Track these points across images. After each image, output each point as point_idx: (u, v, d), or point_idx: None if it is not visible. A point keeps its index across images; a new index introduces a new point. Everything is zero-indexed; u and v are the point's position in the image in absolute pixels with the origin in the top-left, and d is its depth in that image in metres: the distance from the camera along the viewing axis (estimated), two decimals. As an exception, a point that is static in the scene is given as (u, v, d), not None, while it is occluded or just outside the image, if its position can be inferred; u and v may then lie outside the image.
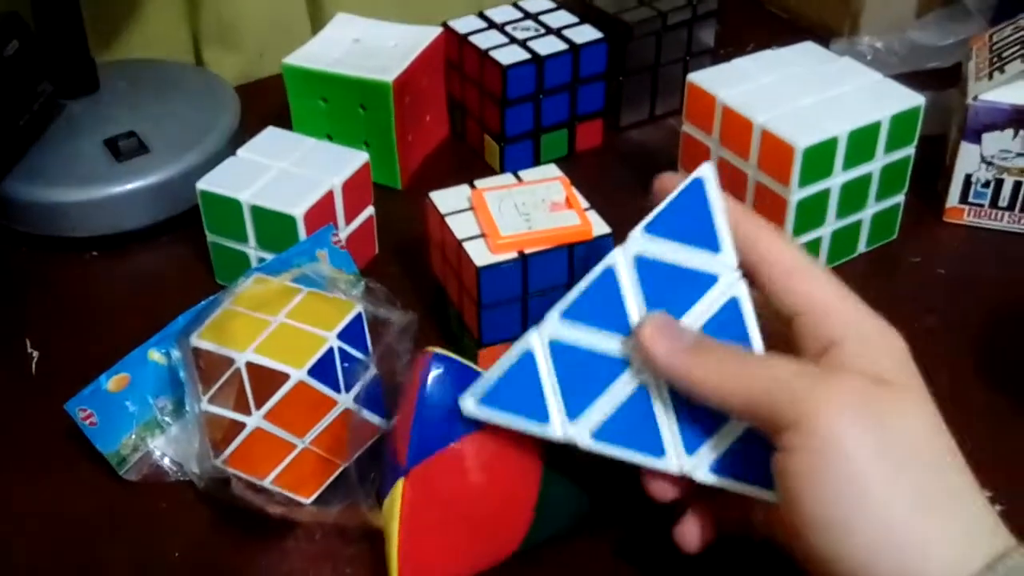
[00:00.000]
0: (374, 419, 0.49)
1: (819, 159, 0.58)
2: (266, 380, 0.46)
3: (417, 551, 0.44)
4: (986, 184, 0.65)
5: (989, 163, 0.64)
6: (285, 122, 0.69)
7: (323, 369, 0.47)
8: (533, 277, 0.53)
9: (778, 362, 0.39)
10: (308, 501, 0.48)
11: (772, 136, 0.58)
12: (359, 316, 0.49)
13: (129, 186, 0.65)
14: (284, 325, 0.48)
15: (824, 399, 0.37)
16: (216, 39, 0.84)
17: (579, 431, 0.42)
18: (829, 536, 0.36)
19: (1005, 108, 0.62)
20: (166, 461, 0.51)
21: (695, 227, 0.42)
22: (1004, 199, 0.65)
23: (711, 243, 0.42)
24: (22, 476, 0.52)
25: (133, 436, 0.51)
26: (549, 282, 0.54)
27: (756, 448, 0.40)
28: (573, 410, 0.42)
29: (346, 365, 0.48)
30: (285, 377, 0.46)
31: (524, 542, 0.46)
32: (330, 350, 0.47)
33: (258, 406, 0.46)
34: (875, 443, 0.36)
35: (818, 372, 0.38)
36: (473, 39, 0.71)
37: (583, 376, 0.42)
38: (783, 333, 0.42)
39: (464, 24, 0.72)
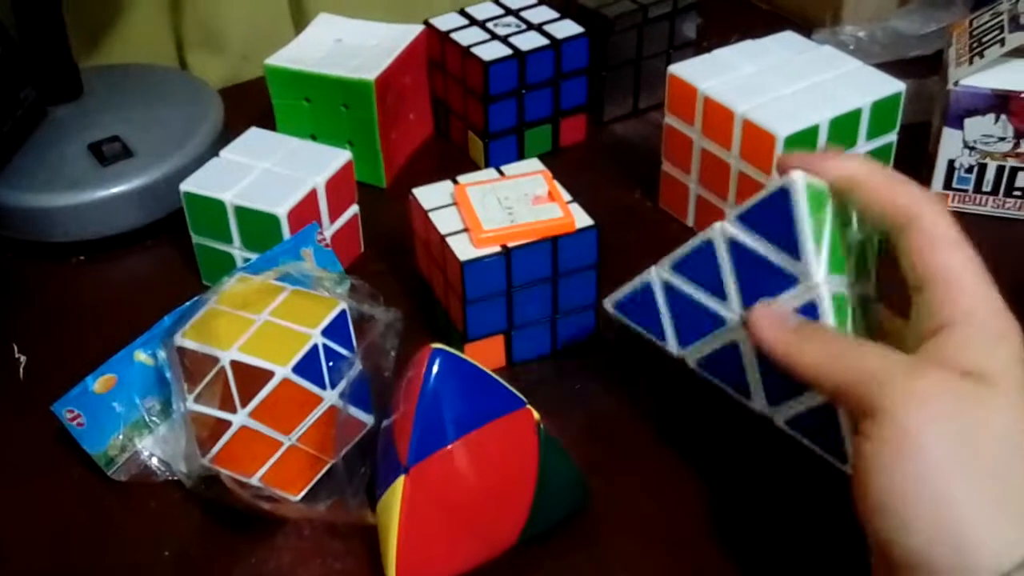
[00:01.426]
0: (360, 415, 0.50)
1: (801, 147, 0.58)
2: (251, 378, 0.46)
3: (415, 548, 0.44)
4: (969, 169, 0.65)
5: (972, 148, 0.64)
6: (269, 124, 0.69)
7: (308, 366, 0.47)
8: (517, 270, 0.54)
9: (873, 350, 0.40)
10: (296, 498, 0.48)
11: (753, 126, 0.58)
12: (343, 313, 0.49)
13: (114, 190, 0.65)
14: (268, 323, 0.48)
15: (908, 392, 0.37)
16: (199, 43, 0.84)
17: (688, 355, 0.49)
18: (890, 523, 0.37)
19: (986, 93, 0.62)
20: (154, 461, 0.51)
21: (779, 230, 0.44)
22: (988, 184, 0.65)
23: (792, 250, 0.44)
24: (11, 479, 0.52)
25: (121, 437, 0.51)
26: (533, 275, 0.54)
27: (832, 420, 0.42)
28: (683, 340, 0.49)
29: (331, 362, 0.48)
30: (270, 375, 0.46)
31: (520, 537, 0.46)
32: (314, 347, 0.47)
33: (243, 404, 0.46)
34: (950, 440, 0.36)
35: (909, 364, 0.39)
36: (455, 36, 0.71)
37: (689, 318, 0.48)
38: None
39: (445, 21, 0.73)
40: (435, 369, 0.44)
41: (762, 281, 0.44)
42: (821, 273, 0.43)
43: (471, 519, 0.45)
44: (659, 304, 0.49)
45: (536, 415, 0.46)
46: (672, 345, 0.49)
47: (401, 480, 0.44)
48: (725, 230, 0.45)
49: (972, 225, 0.65)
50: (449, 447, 0.43)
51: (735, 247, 0.45)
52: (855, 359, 0.40)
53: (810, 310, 0.43)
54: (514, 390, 0.46)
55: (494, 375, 0.45)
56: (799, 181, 0.43)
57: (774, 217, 0.44)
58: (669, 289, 0.48)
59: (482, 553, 0.46)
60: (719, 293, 0.46)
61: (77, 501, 0.51)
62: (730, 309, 0.46)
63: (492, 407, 0.44)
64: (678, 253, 0.48)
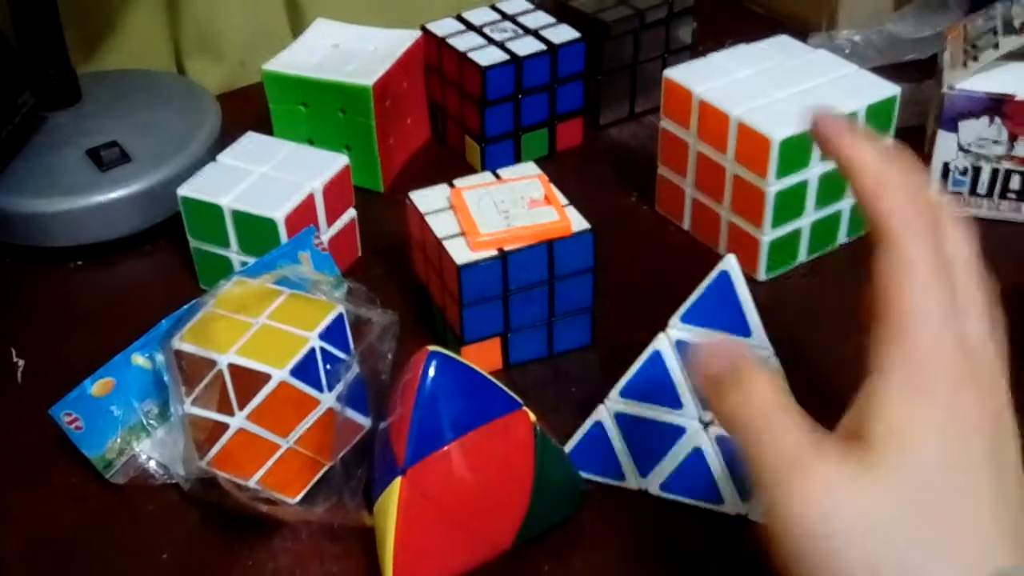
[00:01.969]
0: (358, 418, 0.50)
1: (796, 151, 0.58)
2: (248, 381, 0.46)
3: (412, 549, 0.44)
4: (964, 172, 0.65)
5: (966, 151, 0.65)
6: (267, 129, 0.70)
7: (305, 369, 0.47)
8: (513, 274, 0.54)
9: (788, 431, 0.38)
10: (294, 500, 0.48)
11: (748, 129, 0.59)
12: (340, 316, 0.49)
13: (112, 195, 0.65)
14: (266, 327, 0.48)
15: (790, 495, 0.36)
16: (197, 49, 0.84)
17: (650, 483, 0.49)
18: None
19: (980, 96, 0.63)
20: (152, 464, 0.51)
21: (724, 314, 0.46)
22: (983, 186, 0.65)
23: (742, 329, 0.46)
24: (9, 483, 0.52)
25: (119, 440, 0.51)
26: (529, 278, 0.54)
27: None
28: (643, 468, 0.49)
29: (328, 365, 0.48)
30: (267, 377, 0.46)
31: (516, 538, 0.46)
32: (312, 350, 0.47)
33: (241, 407, 0.46)
34: (833, 537, 0.35)
35: (797, 462, 0.37)
36: (452, 41, 0.71)
37: (646, 441, 0.48)
38: None
39: (442, 27, 0.73)
40: (431, 371, 0.44)
41: None
42: (770, 345, 0.45)
43: (467, 520, 0.45)
44: (612, 440, 0.49)
45: (532, 417, 0.46)
46: (631, 479, 0.49)
47: (398, 482, 0.44)
48: (671, 336, 0.47)
49: (968, 228, 0.66)
50: (446, 448, 0.44)
51: (683, 349, 0.46)
52: (758, 432, 0.38)
53: None
54: (511, 392, 0.46)
55: (491, 377, 0.45)
56: (734, 262, 0.45)
57: (717, 303, 0.46)
58: (621, 418, 0.49)
59: (478, 554, 0.46)
60: (674, 402, 0.47)
61: (75, 504, 0.51)
62: (688, 415, 0.47)
63: (489, 409, 0.45)
64: (624, 380, 0.48)
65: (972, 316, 0.39)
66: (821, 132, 0.41)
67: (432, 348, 0.45)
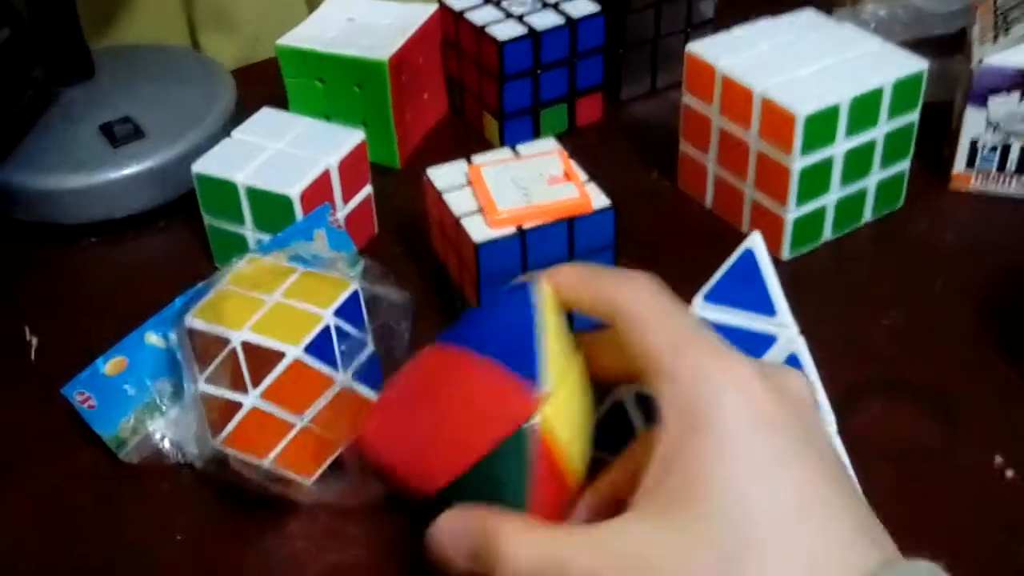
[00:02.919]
0: (373, 397, 0.49)
1: (821, 126, 0.57)
2: (262, 359, 0.45)
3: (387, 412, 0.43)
4: (993, 149, 0.64)
5: (996, 128, 0.63)
6: (282, 104, 0.69)
7: (320, 347, 0.46)
8: (532, 252, 0.53)
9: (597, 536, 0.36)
10: (310, 481, 0.48)
11: (772, 104, 0.57)
12: (355, 294, 0.49)
13: (126, 171, 0.65)
14: (280, 304, 0.47)
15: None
16: (212, 24, 0.84)
17: None
18: None
19: (1011, 71, 0.61)
20: (166, 443, 0.51)
21: (750, 294, 0.44)
22: (1012, 164, 0.64)
23: (766, 308, 0.44)
24: (23, 461, 0.52)
25: (132, 419, 0.50)
26: (549, 256, 0.53)
27: None
28: None
29: (343, 343, 0.47)
30: (281, 355, 0.45)
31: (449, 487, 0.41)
32: (326, 328, 0.47)
33: (255, 385, 0.45)
34: None
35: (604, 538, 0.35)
36: (469, 15, 0.70)
37: None
38: None
39: (460, 0, 0.72)
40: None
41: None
42: (796, 325, 0.43)
43: (430, 421, 0.41)
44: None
45: (540, 415, 0.39)
46: None
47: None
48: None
49: (995, 206, 0.65)
50: (456, 348, 0.41)
51: None
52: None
53: (792, 363, 0.43)
54: (544, 369, 0.40)
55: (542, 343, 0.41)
56: (759, 241, 0.44)
57: (741, 282, 0.44)
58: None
59: (423, 465, 0.41)
60: (767, 309, 0.45)
61: (88, 483, 0.50)
62: (780, 323, 0.45)
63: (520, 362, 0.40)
64: (710, 284, 0.45)
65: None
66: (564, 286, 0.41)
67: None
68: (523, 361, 0.39)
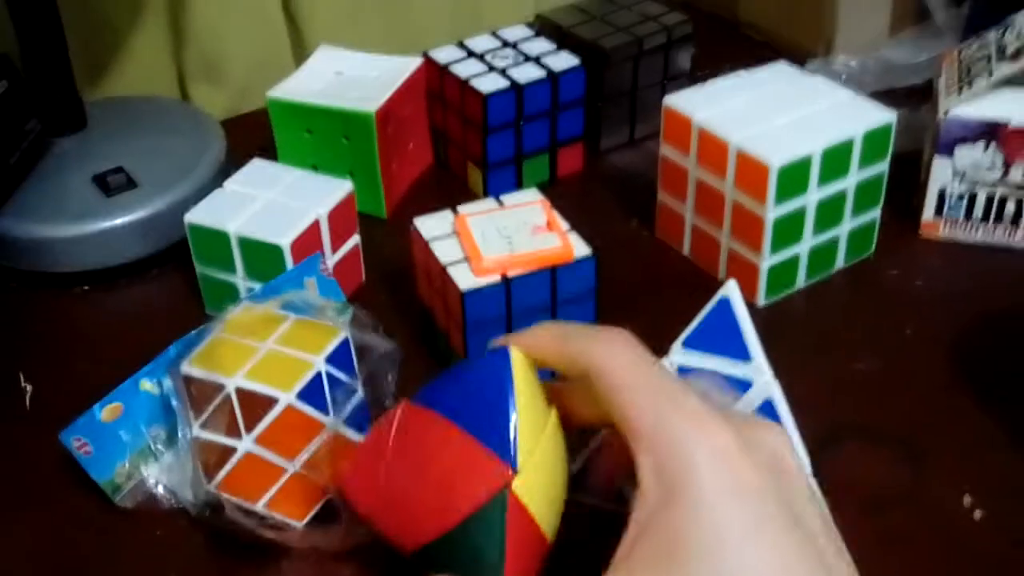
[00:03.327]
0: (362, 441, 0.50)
1: (794, 177, 0.59)
2: (256, 405, 0.47)
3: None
4: (960, 197, 0.66)
5: (962, 177, 0.65)
6: (271, 154, 0.71)
7: (311, 393, 0.47)
8: (516, 299, 0.54)
9: None
10: (300, 524, 0.49)
11: (747, 156, 0.59)
12: (346, 341, 0.50)
13: (118, 221, 0.66)
14: (272, 351, 0.49)
15: None
16: (201, 75, 0.85)
17: None
18: None
19: (975, 122, 0.64)
20: (160, 488, 0.52)
21: (726, 340, 0.45)
22: (978, 212, 0.66)
23: (742, 353, 0.45)
24: (19, 507, 0.53)
25: (127, 464, 0.51)
26: (532, 303, 0.55)
27: None
28: None
29: (334, 390, 0.49)
30: (274, 401, 0.46)
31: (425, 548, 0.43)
32: (318, 374, 0.48)
33: (248, 430, 0.47)
34: None
35: None
36: (453, 68, 0.72)
37: None
38: None
39: (444, 54, 0.74)
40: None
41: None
42: (770, 370, 0.45)
43: (416, 485, 0.43)
44: None
45: (515, 483, 0.40)
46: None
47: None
48: (673, 362, 0.46)
49: (963, 253, 0.67)
50: (439, 414, 0.42)
51: (684, 373, 0.46)
52: None
53: (767, 408, 0.45)
54: (514, 447, 0.41)
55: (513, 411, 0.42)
56: (735, 289, 0.45)
57: (718, 328, 0.46)
58: (683, 372, 0.47)
59: (395, 526, 0.44)
60: (741, 355, 0.46)
61: (83, 528, 0.51)
62: (756, 369, 0.46)
63: (489, 435, 0.42)
64: (688, 331, 0.47)
65: None
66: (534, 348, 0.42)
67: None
68: (495, 437, 0.41)
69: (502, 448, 0.40)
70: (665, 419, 0.37)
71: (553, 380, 0.44)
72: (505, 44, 0.75)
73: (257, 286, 0.58)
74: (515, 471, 0.40)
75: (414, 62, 0.74)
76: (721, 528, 0.34)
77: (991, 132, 0.63)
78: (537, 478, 0.41)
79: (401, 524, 0.43)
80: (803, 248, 0.63)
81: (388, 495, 0.43)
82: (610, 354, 0.39)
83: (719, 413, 0.37)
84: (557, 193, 0.62)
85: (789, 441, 0.38)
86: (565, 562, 0.42)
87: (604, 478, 0.46)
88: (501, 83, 0.70)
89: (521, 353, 0.42)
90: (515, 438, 0.40)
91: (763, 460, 0.36)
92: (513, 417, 0.41)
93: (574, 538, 0.43)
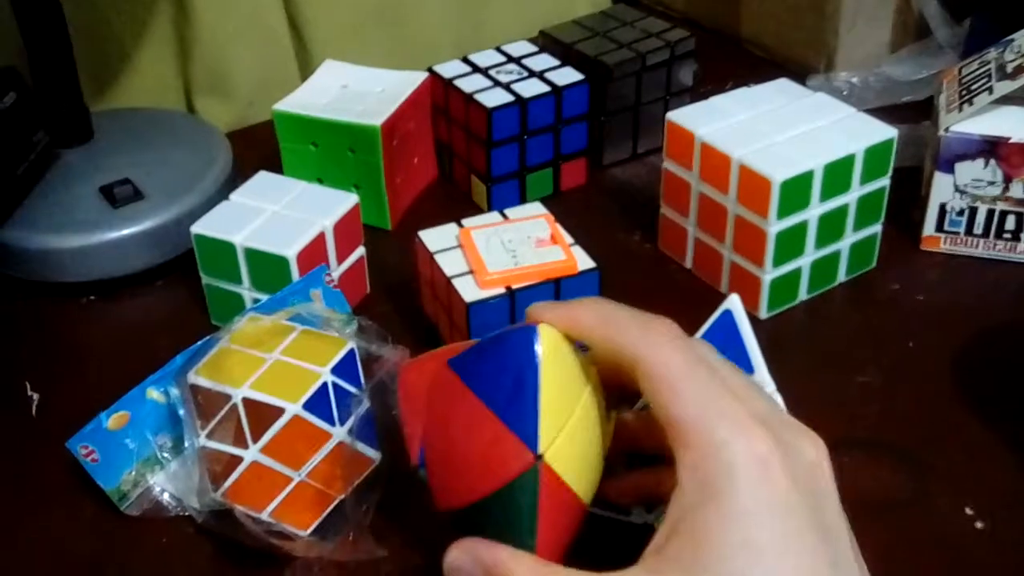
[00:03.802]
0: (368, 452, 0.51)
1: (796, 192, 0.60)
2: (262, 415, 0.47)
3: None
4: (960, 212, 0.67)
5: (963, 192, 0.66)
6: (276, 167, 0.71)
7: (318, 403, 0.48)
8: (521, 311, 0.55)
9: None
10: (306, 533, 0.49)
11: (749, 171, 0.60)
12: (352, 352, 0.50)
13: (125, 232, 0.67)
14: (279, 362, 0.49)
15: None
16: (207, 88, 0.86)
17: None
18: None
19: (975, 139, 0.64)
20: (166, 496, 0.52)
21: (729, 352, 0.45)
22: (979, 226, 0.67)
23: (745, 365, 0.45)
24: (26, 515, 0.53)
25: (133, 472, 0.52)
26: (536, 315, 0.55)
27: None
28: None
29: (340, 400, 0.49)
30: (281, 411, 0.47)
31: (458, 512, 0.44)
32: (324, 385, 0.48)
33: (255, 440, 0.47)
34: None
35: None
36: (458, 83, 0.72)
37: None
38: None
39: (449, 69, 0.74)
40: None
41: None
42: (773, 382, 0.45)
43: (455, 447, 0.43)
44: None
45: (547, 454, 0.41)
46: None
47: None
48: None
49: (964, 267, 0.67)
50: (463, 386, 0.43)
51: None
52: None
53: None
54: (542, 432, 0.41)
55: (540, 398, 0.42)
56: (738, 302, 0.45)
57: (721, 341, 0.45)
58: None
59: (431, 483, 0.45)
60: (744, 368, 0.46)
61: (90, 536, 0.52)
62: (759, 382, 0.46)
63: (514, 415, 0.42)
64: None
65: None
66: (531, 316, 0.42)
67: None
68: (522, 422, 0.41)
69: (525, 433, 0.41)
70: (708, 420, 0.37)
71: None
72: (509, 59, 0.75)
73: (263, 297, 0.59)
74: (538, 456, 0.40)
75: (419, 76, 0.74)
76: (752, 538, 0.35)
77: (991, 149, 0.64)
78: (568, 453, 0.41)
79: (435, 487, 0.44)
80: (805, 262, 0.63)
81: (429, 453, 0.44)
82: (658, 350, 0.39)
83: (761, 419, 0.37)
84: (561, 207, 0.63)
85: (826, 451, 0.39)
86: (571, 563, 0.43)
87: (615, 492, 0.47)
88: (505, 98, 0.70)
89: (552, 331, 0.42)
90: (538, 423, 0.41)
91: (800, 473, 0.37)
92: (538, 402, 0.41)
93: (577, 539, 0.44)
